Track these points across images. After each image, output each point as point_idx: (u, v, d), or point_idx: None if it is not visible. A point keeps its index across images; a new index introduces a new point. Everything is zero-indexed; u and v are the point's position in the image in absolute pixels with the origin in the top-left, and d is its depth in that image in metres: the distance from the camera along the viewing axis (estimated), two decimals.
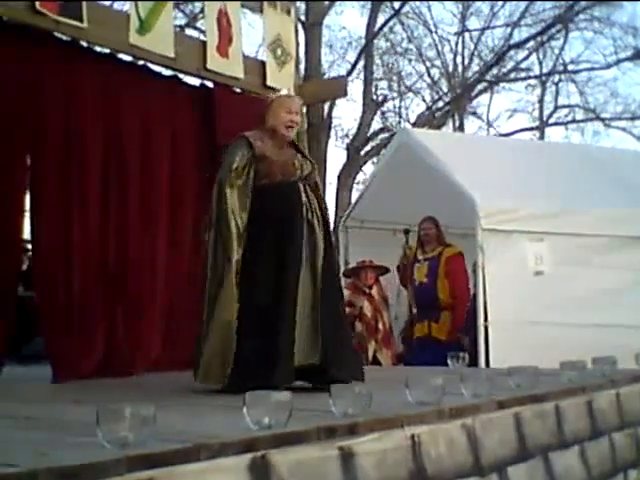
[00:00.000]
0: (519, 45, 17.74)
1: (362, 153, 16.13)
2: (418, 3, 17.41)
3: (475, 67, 18.64)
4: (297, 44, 8.98)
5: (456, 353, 5.24)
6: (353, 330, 6.40)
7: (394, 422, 2.78)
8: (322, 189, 4.40)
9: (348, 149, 16.12)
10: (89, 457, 1.91)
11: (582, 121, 20.28)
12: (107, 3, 8.08)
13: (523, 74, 19.14)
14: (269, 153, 4.14)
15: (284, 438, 2.34)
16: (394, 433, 2.74)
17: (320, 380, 3.78)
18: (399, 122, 18.27)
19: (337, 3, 16.41)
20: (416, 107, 19.16)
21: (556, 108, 20.32)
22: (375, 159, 15.60)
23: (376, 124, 17.23)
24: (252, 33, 10.17)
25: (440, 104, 18.12)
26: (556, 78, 19.77)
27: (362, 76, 16.18)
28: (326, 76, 15.43)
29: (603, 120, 19.74)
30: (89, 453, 1.96)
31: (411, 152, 7.12)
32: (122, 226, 5.34)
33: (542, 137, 19.36)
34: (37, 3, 4.74)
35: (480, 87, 18.35)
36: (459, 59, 18.96)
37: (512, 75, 18.93)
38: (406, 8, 16.88)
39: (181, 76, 6.12)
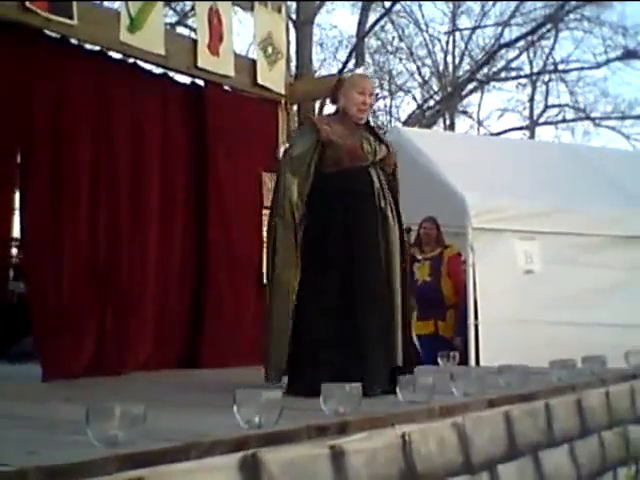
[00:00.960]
0: (509, 44, 17.80)
1: None
2: (409, 2, 17.43)
3: (466, 66, 18.69)
4: (288, 42, 8.97)
5: (446, 352, 5.26)
6: None
7: (385, 421, 2.78)
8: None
9: None
10: (79, 456, 1.90)
11: (572, 120, 20.36)
12: (97, 2, 8.05)
13: (513, 73, 19.20)
14: (336, 137, 3.78)
15: (275, 437, 2.34)
16: (385, 432, 2.74)
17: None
18: (390, 121, 18.31)
19: (328, 2, 16.40)
20: (407, 106, 19.21)
21: (546, 107, 20.39)
22: None
23: None
24: (243, 31, 10.16)
25: (431, 103, 18.16)
26: (546, 77, 19.83)
27: None
28: (317, 75, 15.43)
29: (593, 119, 19.82)
30: (79, 452, 1.96)
31: (402, 151, 7.09)
32: (112, 225, 5.32)
33: (532, 136, 19.42)
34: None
35: (471, 86, 18.40)
36: (450, 58, 19.00)
37: (502, 74, 18.98)
38: (397, 7, 16.90)
39: (172, 74, 6.11)
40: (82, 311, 5.07)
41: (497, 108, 22.41)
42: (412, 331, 4.23)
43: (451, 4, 18.30)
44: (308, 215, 3.74)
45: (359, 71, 4.39)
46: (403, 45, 18.42)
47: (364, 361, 3.52)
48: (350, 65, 16.02)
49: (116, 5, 6.62)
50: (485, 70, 18.05)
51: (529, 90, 20.15)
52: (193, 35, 6.52)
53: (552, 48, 18.68)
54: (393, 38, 18.17)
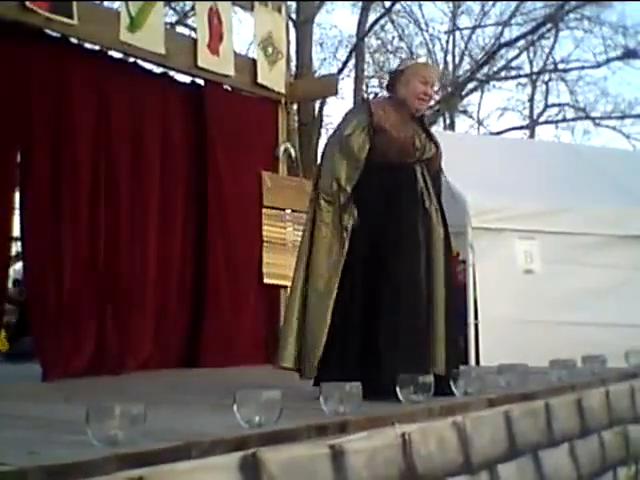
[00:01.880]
0: (510, 44, 17.79)
1: None
2: (409, 2, 17.44)
3: (466, 66, 18.68)
4: (288, 42, 8.99)
5: None
6: None
7: (385, 420, 2.78)
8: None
9: None
10: (79, 455, 1.90)
11: (572, 120, 20.35)
12: (97, 1, 8.05)
13: (513, 73, 19.18)
14: (389, 126, 3.54)
15: (275, 436, 2.34)
16: (385, 431, 2.74)
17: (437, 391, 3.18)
18: None
19: (328, 2, 16.40)
20: None
21: (546, 107, 20.38)
22: None
23: None
24: (243, 31, 10.16)
25: (431, 102, 18.15)
26: (546, 77, 19.83)
27: (353, 74, 16.18)
28: (317, 74, 15.41)
29: (593, 119, 19.80)
30: (79, 451, 1.95)
31: None
32: (112, 225, 5.32)
33: (532, 136, 19.41)
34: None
35: (471, 86, 18.39)
36: (450, 58, 18.99)
37: (502, 74, 18.97)
38: (397, 7, 16.89)
39: (172, 74, 6.11)
40: (82, 311, 5.07)
41: (497, 107, 22.49)
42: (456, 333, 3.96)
43: (451, 4, 18.29)
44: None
45: (422, 60, 4.09)
46: (403, 45, 18.41)
47: (381, 362, 3.35)
48: (350, 65, 16.04)
49: (116, 5, 6.63)
50: (485, 69, 18.04)
51: (529, 89, 20.15)
52: (193, 35, 6.53)
53: (552, 48, 18.68)
54: (393, 38, 18.18)
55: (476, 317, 6.28)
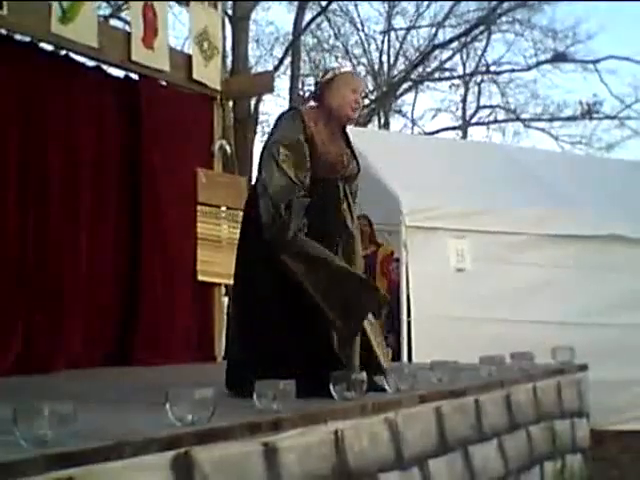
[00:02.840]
0: (443, 45, 18.07)
1: None
2: (345, 2, 17.54)
3: (400, 66, 18.90)
4: (224, 38, 8.94)
5: None
6: None
7: (318, 417, 2.79)
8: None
9: None
10: (6, 456, 1.86)
11: (503, 121, 20.80)
12: None
13: (447, 74, 19.51)
14: (320, 141, 3.48)
15: (207, 434, 2.33)
16: (317, 428, 2.75)
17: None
18: None
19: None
20: None
21: (478, 108, 20.76)
22: None
23: None
24: (178, 26, 10.07)
25: (366, 102, 18.27)
26: (479, 79, 20.22)
27: (289, 72, 16.19)
28: (253, 71, 15.38)
29: (523, 121, 20.26)
30: (6, 452, 1.91)
31: None
32: (42, 223, 5.20)
33: (465, 136, 19.74)
34: None
35: (405, 86, 18.62)
36: (385, 58, 19.17)
37: (436, 75, 19.25)
38: (333, 6, 16.98)
39: (105, 67, 6.01)
40: (9, 310, 4.96)
41: (431, 108, 22.75)
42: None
43: (386, 4, 18.46)
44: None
45: (348, 68, 3.99)
46: (339, 43, 18.53)
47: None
48: (286, 62, 16.04)
49: None
50: (419, 70, 18.28)
51: (462, 91, 20.51)
52: (127, 28, 6.43)
53: (484, 50, 19.06)
54: (329, 36, 18.28)
55: (409, 315, 6.35)
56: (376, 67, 19.04)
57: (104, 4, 13.15)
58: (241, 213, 3.89)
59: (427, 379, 3.81)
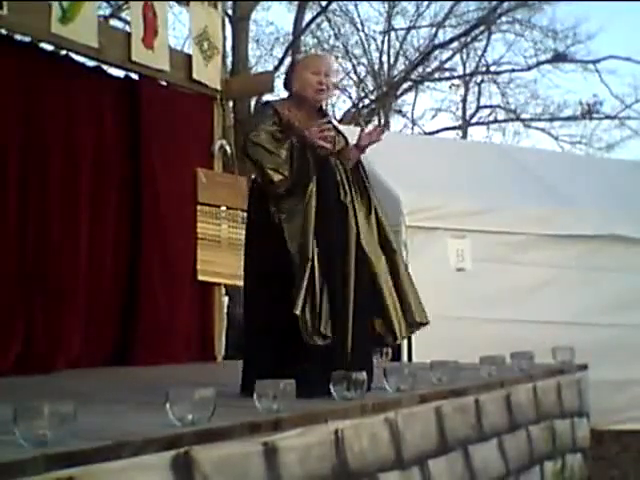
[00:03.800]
0: (443, 45, 18.05)
1: None
2: (345, 2, 17.53)
3: (401, 66, 18.85)
4: (224, 38, 8.93)
5: (379, 348, 5.31)
6: None
7: (318, 417, 2.79)
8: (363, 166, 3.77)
9: None
10: (6, 456, 1.86)
11: (503, 121, 20.75)
12: None
13: (447, 74, 19.47)
14: (297, 123, 3.50)
15: (208, 434, 2.33)
16: (318, 428, 2.75)
17: None
18: None
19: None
20: (342, 104, 19.27)
21: (478, 108, 20.73)
22: None
23: None
24: (178, 26, 10.06)
25: (366, 102, 18.29)
26: (479, 79, 20.18)
27: None
28: (253, 71, 15.37)
29: (523, 121, 20.23)
30: (6, 452, 1.91)
31: None
32: (42, 222, 5.21)
33: (465, 136, 19.72)
34: None
35: (405, 86, 18.59)
36: (385, 57, 19.14)
37: (436, 75, 19.22)
38: (333, 6, 16.96)
39: (105, 67, 6.01)
40: (10, 309, 4.96)
41: (431, 108, 22.69)
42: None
43: (386, 4, 18.45)
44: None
45: (312, 52, 4.09)
46: (339, 43, 18.50)
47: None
48: (286, 62, 16.03)
49: None
50: (419, 70, 18.26)
51: (462, 91, 20.46)
52: (127, 28, 6.43)
53: (484, 50, 19.02)
54: (329, 36, 18.24)
55: None
56: (376, 67, 19.02)
57: (104, 4, 13.14)
58: (241, 213, 3.88)
59: (427, 379, 3.81)
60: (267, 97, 4.07)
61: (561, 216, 6.98)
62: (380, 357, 5.30)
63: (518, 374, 4.57)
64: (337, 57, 18.59)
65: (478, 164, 7.52)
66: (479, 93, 20.43)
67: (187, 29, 6.84)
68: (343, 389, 3.08)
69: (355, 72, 19.02)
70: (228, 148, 7.03)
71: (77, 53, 5.61)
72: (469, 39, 17.92)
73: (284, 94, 3.81)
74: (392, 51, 19.07)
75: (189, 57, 6.51)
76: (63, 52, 5.64)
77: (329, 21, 17.72)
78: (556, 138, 20.00)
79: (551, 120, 20.10)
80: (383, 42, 19.11)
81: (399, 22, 19.01)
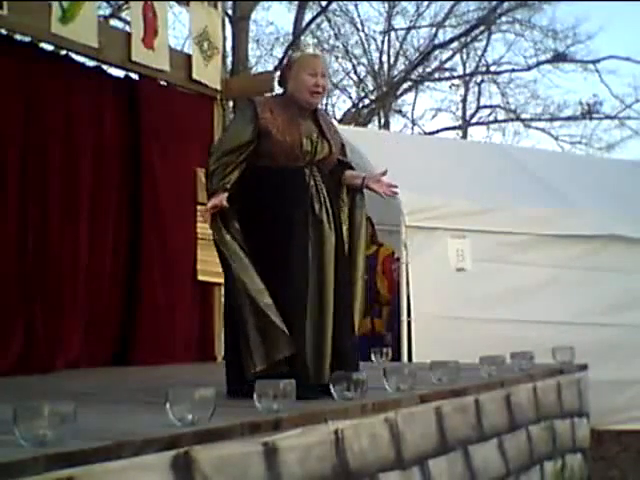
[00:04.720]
0: (443, 45, 18.07)
1: None
2: (345, 2, 17.53)
3: (401, 66, 18.87)
4: (224, 38, 8.93)
5: (379, 348, 5.32)
6: None
7: (318, 417, 2.79)
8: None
9: None
10: (6, 456, 1.86)
11: (503, 121, 20.78)
12: None
13: (447, 74, 19.49)
14: (275, 130, 3.40)
15: (207, 434, 2.33)
16: (318, 428, 2.75)
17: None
18: None
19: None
20: (342, 104, 19.30)
21: (478, 108, 20.75)
22: None
23: None
24: (178, 26, 10.06)
25: (366, 102, 18.29)
26: (479, 79, 20.20)
27: None
28: (253, 71, 15.37)
29: (523, 121, 20.25)
30: (6, 452, 1.91)
31: None
32: (42, 223, 5.20)
33: (465, 136, 19.73)
34: None
35: (405, 86, 18.60)
36: (385, 57, 19.15)
37: (436, 75, 19.24)
38: (333, 6, 16.97)
39: (105, 67, 6.01)
40: (9, 310, 4.96)
41: (431, 108, 22.75)
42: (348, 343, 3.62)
43: (386, 4, 18.46)
44: (236, 210, 3.41)
45: (309, 51, 4.00)
46: (339, 43, 18.52)
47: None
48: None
49: None
50: (419, 70, 18.27)
51: (462, 91, 20.49)
52: (127, 28, 6.43)
53: (484, 50, 19.05)
54: (329, 36, 18.26)
55: (409, 314, 6.34)
56: (376, 67, 19.03)
57: (104, 4, 13.15)
58: None
59: (427, 379, 3.81)
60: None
61: (561, 216, 6.98)
62: (380, 357, 5.30)
63: (518, 374, 4.57)
64: (337, 57, 18.62)
65: (478, 164, 7.52)
66: (479, 93, 20.46)
67: (187, 29, 6.85)
68: (343, 389, 3.08)
69: (355, 72, 19.05)
70: None
71: (77, 53, 5.61)
72: (469, 39, 17.95)
73: None
74: (392, 51, 19.09)
75: (189, 57, 6.50)
76: (63, 52, 5.64)
77: (329, 21, 17.74)
78: (556, 138, 20.04)
79: (551, 120, 20.12)
80: (383, 42, 19.13)
81: (399, 22, 19.04)
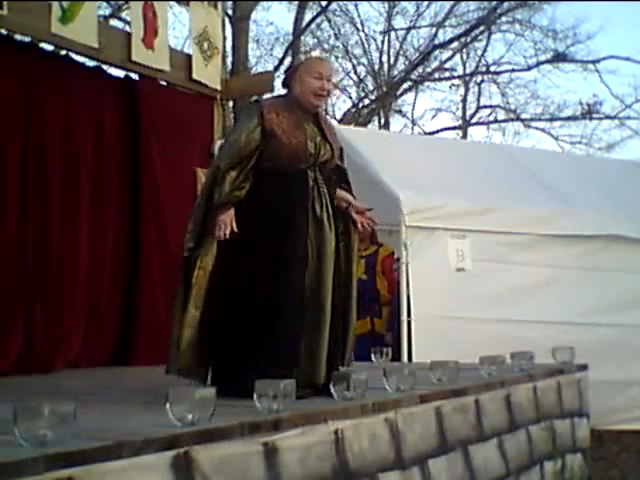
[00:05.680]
0: (443, 45, 18.07)
1: None
2: (345, 1, 17.53)
3: (401, 66, 18.87)
4: (224, 38, 8.93)
5: (379, 348, 5.32)
6: None
7: (318, 417, 2.79)
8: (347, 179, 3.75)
9: None
10: (6, 456, 1.86)
11: (503, 121, 20.78)
12: None
13: (447, 74, 19.49)
14: (280, 132, 3.43)
15: (207, 434, 2.33)
16: (318, 428, 2.75)
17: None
18: None
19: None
20: (342, 104, 19.30)
21: (478, 108, 20.74)
22: None
23: None
24: (178, 26, 10.06)
25: (366, 102, 18.29)
26: (479, 79, 20.20)
27: None
28: (253, 71, 15.38)
29: (523, 121, 20.25)
30: (6, 452, 1.91)
31: None
32: (42, 223, 5.20)
33: (465, 136, 19.73)
34: None
35: (405, 86, 18.60)
36: (385, 57, 19.15)
37: (436, 75, 19.24)
38: (333, 6, 16.97)
39: (105, 67, 6.01)
40: (9, 310, 4.96)
41: (431, 108, 22.75)
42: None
43: (386, 4, 18.46)
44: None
45: (315, 54, 4.05)
46: (339, 43, 18.51)
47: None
48: (286, 62, 16.03)
49: None
50: (419, 70, 18.27)
51: (462, 91, 20.49)
52: (127, 28, 6.43)
53: (484, 50, 19.05)
54: (329, 36, 18.25)
55: (409, 315, 6.34)
56: (376, 67, 19.02)
57: (104, 4, 13.15)
58: None
59: (427, 379, 3.81)
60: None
61: (561, 216, 6.98)
62: (380, 357, 5.30)
63: (518, 374, 4.56)
64: (337, 57, 18.62)
65: (478, 164, 7.51)
66: (479, 93, 20.46)
67: (187, 29, 6.85)
68: (343, 389, 3.08)
69: (355, 72, 19.05)
70: None
71: (77, 53, 5.62)
72: (469, 39, 17.94)
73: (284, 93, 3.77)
74: (392, 51, 19.08)
75: (189, 57, 6.51)
76: (63, 52, 5.64)
77: (329, 21, 17.73)
78: (556, 138, 20.04)
79: (551, 120, 20.12)
80: (383, 42, 19.13)
81: (399, 22, 19.04)
